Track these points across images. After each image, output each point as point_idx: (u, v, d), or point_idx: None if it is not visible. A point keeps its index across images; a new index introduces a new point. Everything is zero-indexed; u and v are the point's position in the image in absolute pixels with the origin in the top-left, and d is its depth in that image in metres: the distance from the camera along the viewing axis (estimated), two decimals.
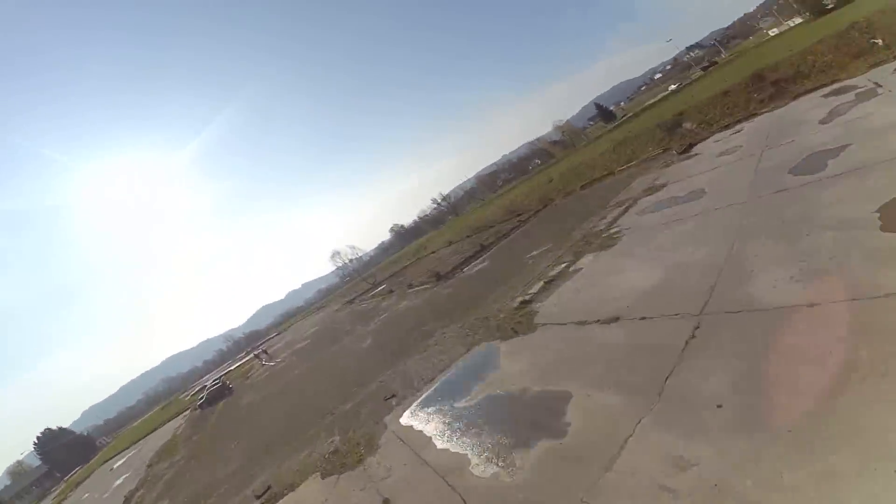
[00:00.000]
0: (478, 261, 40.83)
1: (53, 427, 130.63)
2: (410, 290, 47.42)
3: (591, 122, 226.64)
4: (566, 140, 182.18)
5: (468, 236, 70.87)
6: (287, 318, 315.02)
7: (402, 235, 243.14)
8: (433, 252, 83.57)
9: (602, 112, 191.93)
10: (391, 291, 56.70)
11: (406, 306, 38.61)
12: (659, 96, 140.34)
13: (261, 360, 70.36)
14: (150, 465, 35.61)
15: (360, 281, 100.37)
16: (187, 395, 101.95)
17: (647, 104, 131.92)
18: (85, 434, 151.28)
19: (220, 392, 57.79)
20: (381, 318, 40.41)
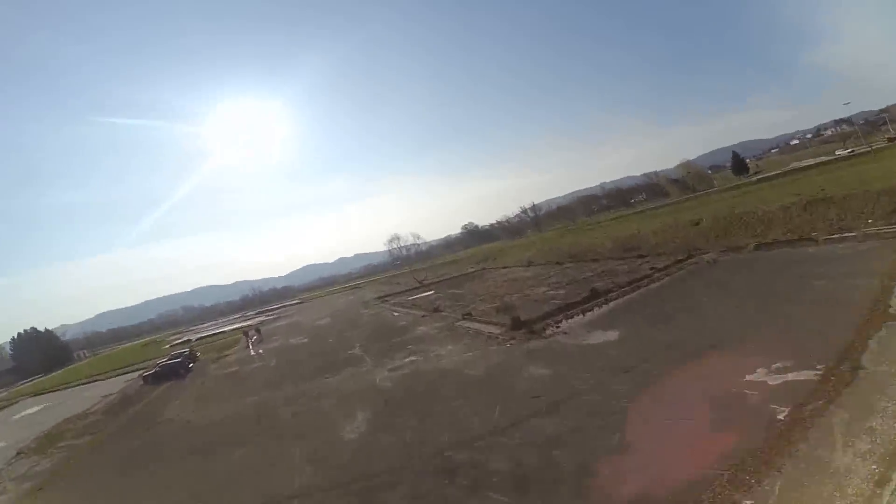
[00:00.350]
0: (590, 316, 25.01)
1: (58, 325, 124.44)
2: (465, 324, 31.05)
3: (710, 171, 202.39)
4: (686, 181, 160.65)
5: (559, 262, 54.46)
6: (326, 283, 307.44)
7: (473, 235, 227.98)
8: (505, 267, 66.84)
9: (736, 162, 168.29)
10: (436, 310, 40.63)
11: (454, 363, 22.25)
12: (818, 159, 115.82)
13: (249, 338, 56.45)
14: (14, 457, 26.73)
15: (410, 272, 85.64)
16: (169, 345, 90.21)
17: (803, 165, 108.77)
18: (66, 342, 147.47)
19: (174, 369, 45.02)
20: (408, 365, 24.32)
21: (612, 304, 26.96)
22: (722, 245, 36.85)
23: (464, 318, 32.95)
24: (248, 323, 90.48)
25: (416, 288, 70.43)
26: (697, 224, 50.91)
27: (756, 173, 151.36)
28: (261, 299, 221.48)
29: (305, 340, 46.42)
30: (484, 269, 74.73)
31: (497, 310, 32.59)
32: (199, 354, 54.84)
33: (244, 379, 34.10)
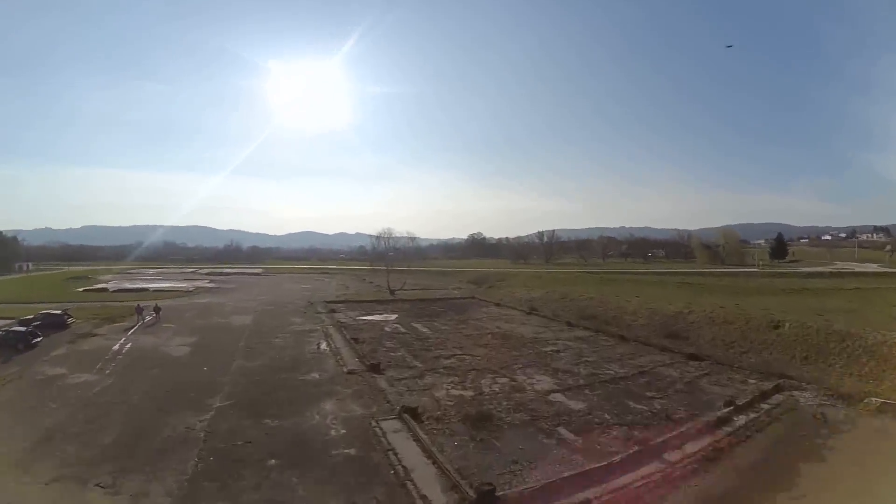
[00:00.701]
0: None
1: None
2: (395, 439, 16.14)
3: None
4: (720, 249, 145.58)
5: (570, 324, 40.32)
6: (312, 255, 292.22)
7: (477, 246, 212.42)
8: (499, 304, 51.94)
9: (779, 245, 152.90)
10: (372, 368, 26.10)
11: None
12: (866, 266, 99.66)
13: (141, 317, 41.91)
14: None
15: (390, 270, 71.43)
16: (86, 289, 75.18)
17: (857, 270, 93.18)
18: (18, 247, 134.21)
19: (13, 339, 32.42)
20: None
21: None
22: (819, 379, 26.05)
23: (398, 418, 18.02)
24: (179, 285, 75.38)
25: (383, 302, 55.66)
26: (777, 328, 35.91)
27: (793, 261, 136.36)
28: (233, 255, 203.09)
29: (186, 351, 31.46)
30: (475, 298, 59.79)
31: (464, 421, 17.79)
32: (70, 321, 40.28)
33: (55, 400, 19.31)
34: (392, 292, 64.41)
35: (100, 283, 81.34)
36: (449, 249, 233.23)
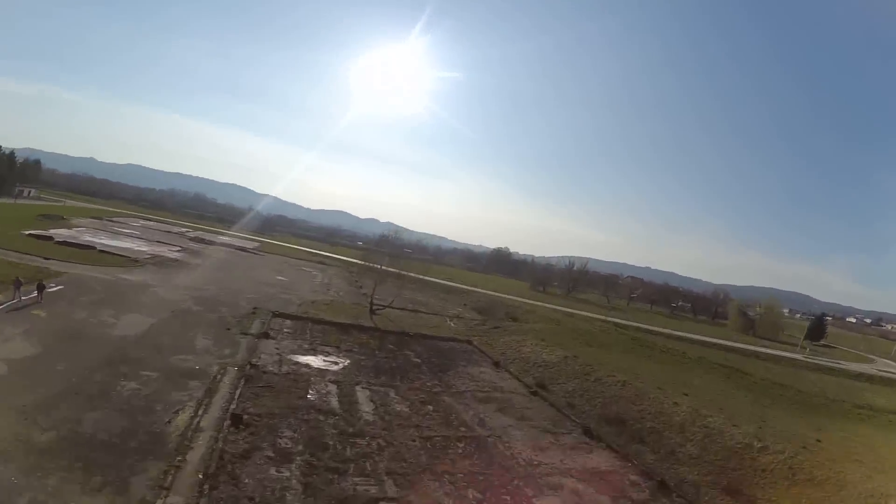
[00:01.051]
0: None
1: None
2: None
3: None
4: (758, 317, 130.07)
5: (588, 433, 28.03)
6: (331, 236, 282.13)
7: (500, 262, 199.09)
8: (496, 365, 38.69)
9: (818, 326, 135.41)
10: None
11: None
12: None
13: (18, 293, 30.67)
14: None
15: (374, 284, 57.51)
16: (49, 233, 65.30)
17: None
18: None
19: None
20: None
21: None
22: None
23: None
24: (136, 248, 64.31)
25: (348, 329, 42.88)
26: None
27: (828, 346, 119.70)
28: (249, 223, 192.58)
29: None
30: (471, 344, 46.68)
31: None
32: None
33: None
34: (373, 311, 51.90)
35: (63, 227, 71.17)
36: (471, 259, 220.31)
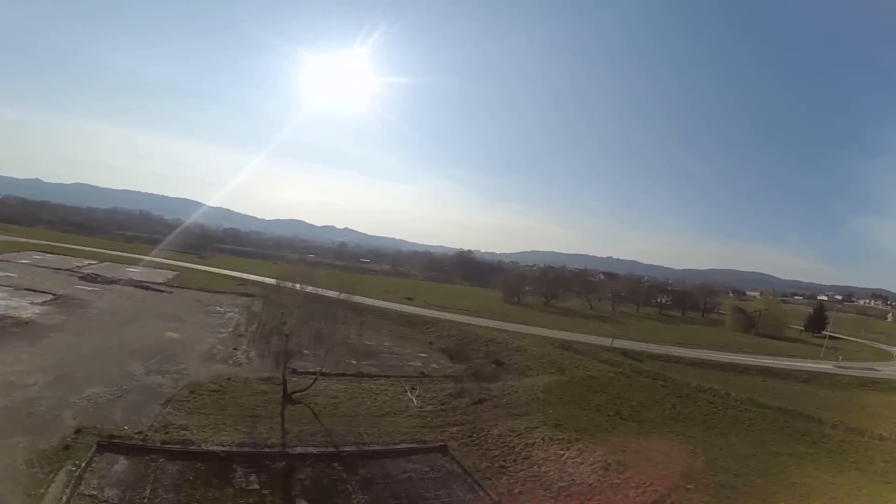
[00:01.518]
0: None
1: None
2: None
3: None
4: (758, 315, 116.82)
5: None
6: (281, 247, 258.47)
7: (466, 266, 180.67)
8: None
9: (818, 316, 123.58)
10: None
11: None
12: None
13: None
14: None
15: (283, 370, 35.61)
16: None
17: None
18: None
19: None
20: None
21: None
22: None
23: None
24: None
25: (227, 462, 24.09)
26: None
27: (832, 336, 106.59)
28: (185, 241, 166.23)
29: None
30: (446, 453, 28.58)
31: None
32: None
33: None
34: (288, 395, 32.79)
35: None
36: (432, 264, 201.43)
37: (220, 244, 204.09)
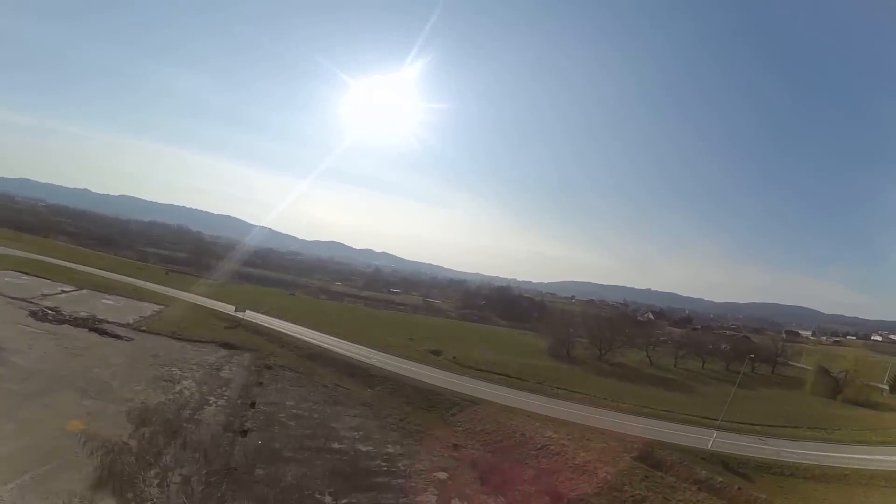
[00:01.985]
0: None
1: None
2: None
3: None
4: (843, 378, 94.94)
5: None
6: (312, 271, 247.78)
7: (503, 302, 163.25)
8: None
9: None
10: None
11: None
12: None
13: None
14: None
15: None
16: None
17: None
18: None
19: None
20: None
21: None
22: None
23: None
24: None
25: None
26: None
27: None
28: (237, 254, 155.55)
29: None
30: None
31: None
32: None
33: None
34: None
35: None
36: (467, 298, 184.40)
37: (250, 267, 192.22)
